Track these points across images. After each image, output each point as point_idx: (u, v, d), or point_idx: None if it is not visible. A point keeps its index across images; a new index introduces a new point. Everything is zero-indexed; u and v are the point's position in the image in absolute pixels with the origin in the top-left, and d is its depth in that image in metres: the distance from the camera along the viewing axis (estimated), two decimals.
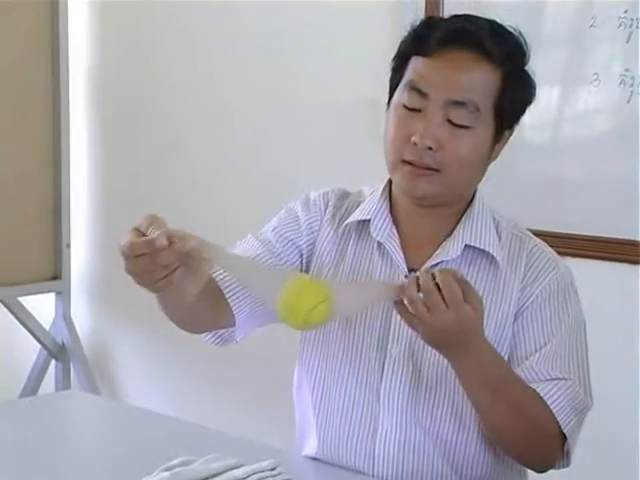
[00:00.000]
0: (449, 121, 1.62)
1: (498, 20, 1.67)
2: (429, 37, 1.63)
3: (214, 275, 1.69)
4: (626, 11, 2.50)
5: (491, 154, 1.69)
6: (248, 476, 1.57)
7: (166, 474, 1.55)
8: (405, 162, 1.64)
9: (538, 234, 1.77)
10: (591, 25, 2.56)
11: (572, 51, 2.64)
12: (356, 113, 2.98)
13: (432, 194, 1.66)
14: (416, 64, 1.65)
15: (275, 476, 1.58)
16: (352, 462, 1.73)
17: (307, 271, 1.79)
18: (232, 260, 1.52)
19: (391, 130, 1.67)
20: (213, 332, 1.77)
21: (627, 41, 2.51)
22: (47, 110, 3.58)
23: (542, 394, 1.62)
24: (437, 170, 1.63)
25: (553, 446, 1.65)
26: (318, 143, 3.14)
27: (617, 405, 2.50)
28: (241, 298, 1.71)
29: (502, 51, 1.63)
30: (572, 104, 2.64)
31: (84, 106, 3.76)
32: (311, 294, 1.44)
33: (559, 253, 1.75)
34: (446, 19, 1.70)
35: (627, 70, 2.51)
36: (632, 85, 2.50)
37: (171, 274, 1.43)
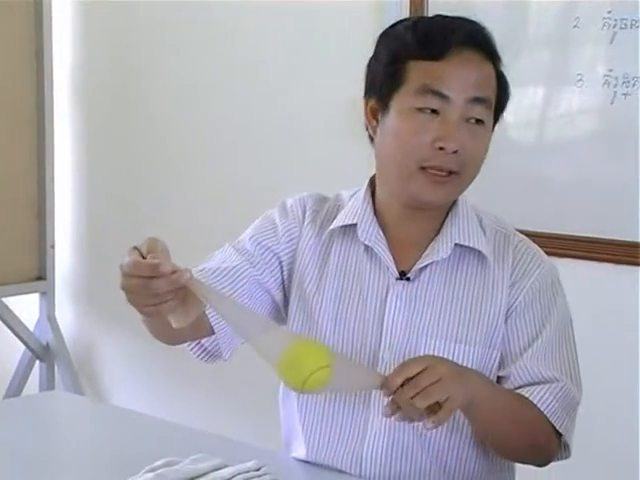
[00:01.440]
0: (467, 120, 1.62)
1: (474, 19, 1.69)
2: (437, 40, 1.61)
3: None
4: (610, 12, 2.51)
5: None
6: (233, 476, 1.57)
7: (150, 475, 1.54)
8: (423, 168, 1.62)
9: (522, 233, 1.78)
10: (575, 26, 2.57)
11: (556, 51, 2.65)
12: (339, 113, 2.98)
13: (448, 200, 1.67)
14: (424, 68, 1.61)
15: (260, 476, 1.58)
16: (340, 464, 1.72)
17: (289, 280, 1.77)
18: (229, 309, 1.48)
19: (401, 138, 1.63)
20: (198, 346, 1.75)
21: (611, 42, 2.51)
22: (32, 110, 3.57)
23: (535, 400, 1.63)
24: (457, 173, 1.63)
25: (552, 445, 1.67)
26: (301, 145, 3.14)
27: (618, 406, 2.51)
28: (223, 323, 1.70)
29: (494, 51, 1.66)
30: (556, 104, 2.64)
31: (69, 106, 3.75)
32: (315, 357, 1.43)
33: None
34: (430, 19, 1.69)
35: (611, 71, 2.52)
36: (616, 86, 2.51)
37: (160, 304, 1.42)
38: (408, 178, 1.64)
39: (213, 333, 1.72)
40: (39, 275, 3.64)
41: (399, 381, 1.47)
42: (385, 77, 1.66)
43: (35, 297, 3.69)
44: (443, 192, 1.64)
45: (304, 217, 1.78)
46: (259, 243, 1.76)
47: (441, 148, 1.60)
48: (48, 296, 3.67)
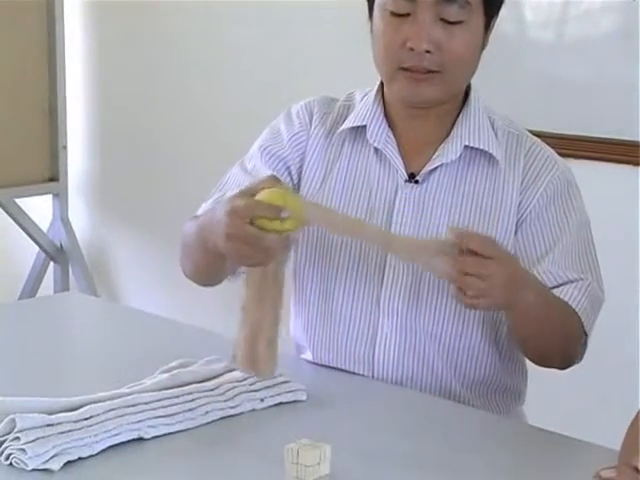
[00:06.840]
0: (441, 20, 1.59)
1: None
2: None
3: None
4: None
5: (483, 44, 1.67)
6: (246, 377, 1.57)
7: (165, 375, 1.55)
8: (403, 69, 1.61)
9: (539, 135, 1.75)
10: None
11: None
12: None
13: (434, 97, 1.64)
14: None
15: (275, 377, 1.59)
16: (351, 366, 1.72)
17: (299, 184, 1.76)
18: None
19: (381, 39, 1.63)
20: None
21: None
22: (41, 9, 3.52)
23: (566, 299, 1.62)
24: (438, 71, 1.61)
25: (579, 348, 1.67)
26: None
27: (618, 310, 2.50)
28: None
29: None
30: (577, 2, 2.59)
31: (80, 10, 3.70)
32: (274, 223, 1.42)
33: (561, 155, 1.73)
34: None
35: None
36: None
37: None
38: (391, 78, 1.65)
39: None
40: (51, 176, 3.63)
41: (470, 246, 1.45)
42: None
43: (48, 199, 3.69)
44: (424, 90, 1.63)
45: (311, 122, 1.76)
46: (268, 152, 1.76)
47: (412, 49, 1.59)
48: (61, 197, 3.66)
